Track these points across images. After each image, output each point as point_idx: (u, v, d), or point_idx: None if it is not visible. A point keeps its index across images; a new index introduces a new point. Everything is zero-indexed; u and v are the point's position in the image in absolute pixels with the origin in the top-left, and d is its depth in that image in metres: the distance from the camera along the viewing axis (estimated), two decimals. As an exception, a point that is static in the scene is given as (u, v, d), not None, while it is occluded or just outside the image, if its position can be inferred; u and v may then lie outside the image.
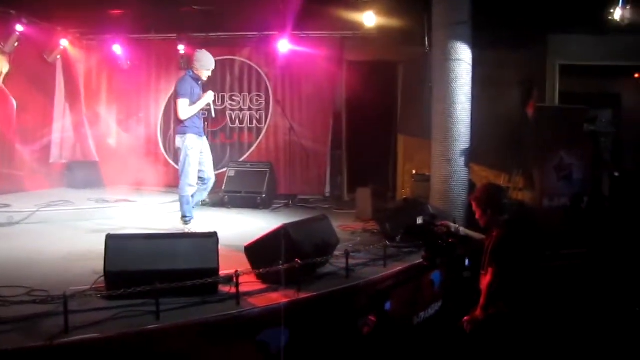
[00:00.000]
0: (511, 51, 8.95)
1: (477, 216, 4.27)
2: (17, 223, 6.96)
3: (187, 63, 9.68)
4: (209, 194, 7.06)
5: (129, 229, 6.56)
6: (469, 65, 7.19)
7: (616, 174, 8.30)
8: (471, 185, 7.40)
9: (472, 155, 7.35)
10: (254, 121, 10.56)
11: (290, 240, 4.44)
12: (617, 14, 7.15)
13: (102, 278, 3.99)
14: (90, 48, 10.62)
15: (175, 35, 10.06)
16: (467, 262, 5.28)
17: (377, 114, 10.15)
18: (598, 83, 10.27)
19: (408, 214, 6.28)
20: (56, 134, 10.06)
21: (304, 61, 9.99)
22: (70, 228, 6.87)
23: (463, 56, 7.12)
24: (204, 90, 6.50)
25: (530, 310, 4.02)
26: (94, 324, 3.44)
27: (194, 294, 3.92)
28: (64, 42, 9.75)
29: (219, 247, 4.27)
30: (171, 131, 10.47)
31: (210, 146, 6.77)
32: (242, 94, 10.56)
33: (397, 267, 5.25)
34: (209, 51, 6.52)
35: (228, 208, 8.67)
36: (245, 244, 4.74)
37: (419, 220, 5.93)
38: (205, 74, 6.46)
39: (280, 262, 4.25)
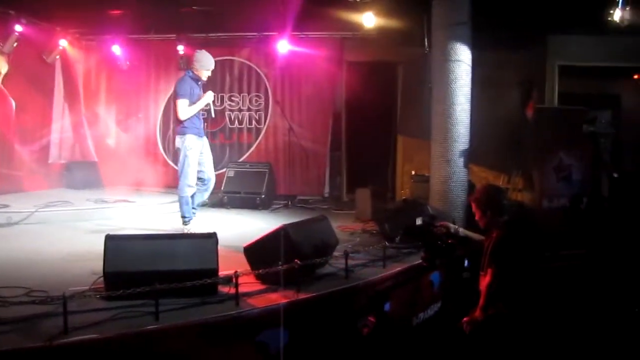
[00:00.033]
0: (511, 52, 8.95)
1: (476, 217, 4.27)
2: (16, 223, 6.95)
3: (187, 63, 9.69)
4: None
5: (128, 230, 6.56)
6: (469, 66, 7.20)
7: (615, 175, 8.30)
8: (470, 186, 7.40)
9: (472, 156, 7.36)
10: (253, 122, 10.56)
11: (289, 240, 4.44)
12: (617, 15, 7.15)
13: (101, 279, 3.99)
14: (90, 48, 10.61)
15: (174, 35, 10.05)
16: (466, 263, 5.28)
17: (376, 114, 10.15)
18: (597, 84, 10.28)
19: (407, 215, 6.29)
20: (55, 134, 10.04)
21: (304, 62, 9.99)
22: (69, 228, 6.86)
23: (462, 57, 7.13)
24: (204, 91, 6.49)
25: (529, 311, 4.02)
26: (93, 325, 3.44)
27: (194, 294, 3.92)
28: (63, 43, 9.73)
29: (218, 247, 4.27)
30: (170, 131, 10.47)
31: (210, 146, 6.76)
32: (241, 95, 10.56)
33: (396, 267, 5.25)
34: (209, 51, 6.51)
35: (227, 208, 8.67)
36: (245, 244, 4.74)
37: (419, 221, 5.94)
38: (205, 74, 6.45)
39: (280, 262, 4.25)
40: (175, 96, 6.44)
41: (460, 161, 7.16)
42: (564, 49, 9.41)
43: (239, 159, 10.32)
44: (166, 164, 10.45)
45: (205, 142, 6.57)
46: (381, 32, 8.75)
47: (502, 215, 4.13)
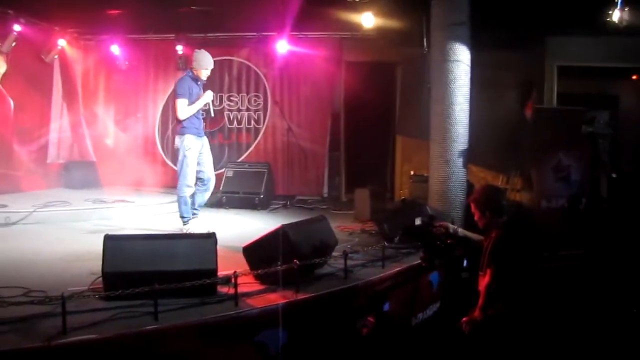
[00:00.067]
0: (509, 52, 8.95)
1: (475, 218, 4.27)
2: (14, 223, 6.94)
3: (186, 63, 9.70)
4: (207, 195, 7.04)
5: (127, 230, 6.56)
6: (468, 66, 7.20)
7: (614, 176, 8.29)
8: (469, 186, 7.41)
9: (470, 156, 7.36)
10: (252, 122, 10.55)
11: (288, 241, 4.44)
12: (616, 15, 7.15)
13: (100, 279, 3.98)
14: (88, 48, 10.59)
15: (173, 35, 10.04)
16: (465, 263, 5.28)
17: (375, 114, 10.15)
18: (596, 84, 10.28)
19: (406, 215, 6.29)
20: (53, 134, 10.03)
21: (303, 62, 9.99)
22: (67, 228, 6.86)
23: (461, 57, 7.13)
24: (204, 91, 6.49)
25: (528, 311, 4.02)
26: (92, 325, 3.43)
27: (193, 294, 3.92)
28: (62, 42, 9.72)
29: (217, 247, 4.27)
30: (169, 131, 10.47)
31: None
32: (240, 95, 10.55)
33: (395, 268, 5.25)
34: (208, 51, 6.51)
35: (226, 209, 8.67)
36: (244, 244, 4.74)
37: (418, 221, 5.93)
38: (204, 74, 6.44)
39: (279, 263, 4.25)
40: (174, 96, 6.44)
41: (459, 161, 7.16)
42: (563, 50, 9.41)
43: (238, 159, 10.31)
44: (165, 164, 10.44)
45: (205, 142, 6.56)
46: (380, 32, 8.75)
47: (501, 216, 4.13)
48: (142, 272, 3.82)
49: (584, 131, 8.12)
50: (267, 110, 10.47)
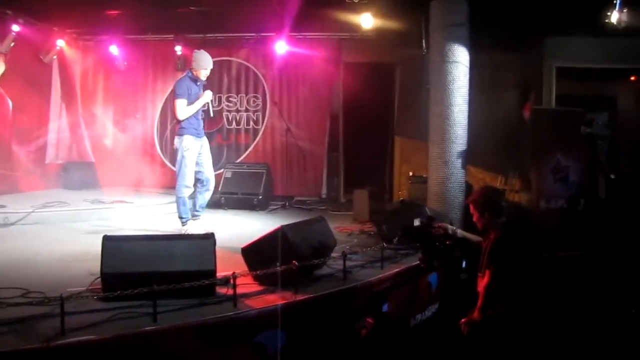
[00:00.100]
0: (508, 53, 8.97)
1: (474, 219, 4.27)
2: (13, 224, 6.93)
3: (185, 64, 9.71)
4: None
5: (126, 230, 6.55)
6: (466, 67, 7.21)
7: (612, 177, 8.31)
8: (468, 187, 7.41)
9: (469, 157, 7.36)
10: (251, 122, 10.55)
11: (287, 242, 4.44)
12: (614, 17, 7.16)
13: (99, 279, 3.97)
14: (87, 48, 10.59)
15: (172, 36, 10.04)
16: (464, 264, 5.27)
17: (374, 115, 10.15)
18: (594, 86, 10.30)
19: (405, 216, 6.29)
20: (52, 134, 10.03)
21: (301, 63, 10.01)
22: (66, 229, 6.85)
23: (460, 58, 7.14)
24: (205, 91, 6.48)
25: (527, 312, 4.02)
26: (90, 326, 3.43)
27: (191, 295, 3.92)
28: (61, 43, 9.72)
29: (216, 248, 4.26)
30: (167, 132, 10.47)
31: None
32: (239, 95, 10.55)
33: (394, 269, 5.25)
34: (207, 52, 6.51)
35: (225, 209, 8.66)
36: (243, 245, 4.74)
37: (416, 222, 5.93)
38: (203, 74, 6.44)
39: (278, 263, 4.24)
40: (173, 96, 6.43)
41: (457, 162, 7.17)
42: (562, 51, 9.43)
43: (237, 159, 10.31)
44: (164, 165, 10.44)
45: (204, 142, 6.55)
46: (379, 33, 8.75)
47: (500, 217, 4.13)
48: (141, 273, 3.81)
49: (582, 132, 8.14)
50: (265, 111, 10.48)
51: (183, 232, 6.36)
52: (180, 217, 6.48)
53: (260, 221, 7.73)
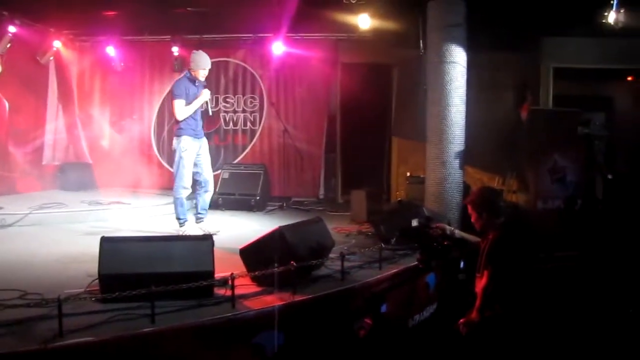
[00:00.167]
0: (505, 54, 8.96)
1: (472, 219, 4.27)
2: (10, 225, 6.91)
3: (182, 65, 9.71)
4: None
5: (123, 232, 6.53)
6: (464, 67, 7.21)
7: (609, 177, 8.32)
8: (465, 188, 7.42)
9: (467, 157, 7.37)
10: (248, 123, 10.55)
11: (285, 242, 4.44)
12: (611, 17, 7.16)
13: (97, 281, 3.97)
14: (84, 49, 10.58)
15: (169, 37, 10.02)
16: (462, 264, 5.28)
17: (371, 116, 10.14)
18: (592, 86, 10.32)
19: (403, 217, 6.29)
20: (49, 135, 10.01)
21: (299, 63, 10.01)
22: (63, 230, 6.84)
23: (458, 59, 7.14)
24: None
25: (525, 312, 4.03)
26: (88, 327, 3.42)
27: (190, 296, 3.91)
28: (57, 44, 9.70)
29: (214, 249, 4.26)
30: (164, 133, 10.46)
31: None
32: (236, 96, 10.55)
33: (392, 269, 5.25)
34: (205, 52, 6.51)
35: (222, 210, 8.64)
36: (241, 246, 4.73)
37: (414, 223, 5.93)
38: (201, 74, 6.43)
39: (276, 264, 4.24)
40: (171, 97, 6.43)
41: (455, 163, 7.17)
42: (559, 51, 9.43)
43: (234, 160, 10.30)
44: (161, 166, 10.43)
45: (203, 143, 6.54)
46: (376, 33, 8.74)
47: (498, 217, 4.13)
48: (139, 274, 3.81)
49: (579, 133, 8.15)
50: (263, 112, 10.47)
51: (181, 233, 6.35)
52: (178, 218, 6.47)
53: (258, 222, 7.73)
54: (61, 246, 5.93)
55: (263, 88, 10.45)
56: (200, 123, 6.51)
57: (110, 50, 10.05)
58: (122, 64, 10.29)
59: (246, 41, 10.25)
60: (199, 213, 6.61)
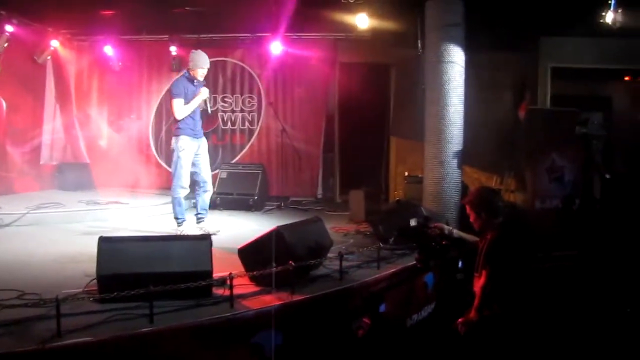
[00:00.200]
0: (504, 53, 8.97)
1: (471, 219, 4.27)
2: (7, 225, 6.89)
3: (180, 64, 9.71)
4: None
5: (121, 232, 6.52)
6: (462, 67, 7.21)
7: (607, 176, 8.33)
8: (463, 187, 7.42)
9: (465, 157, 7.37)
10: (246, 123, 10.54)
11: (284, 242, 4.43)
12: (609, 17, 7.18)
13: (95, 281, 3.96)
14: (81, 49, 10.56)
15: (167, 36, 10.01)
16: (460, 264, 5.29)
17: (369, 116, 10.15)
18: (589, 86, 10.32)
19: (401, 216, 6.28)
20: (46, 135, 9.99)
21: (297, 63, 10.00)
22: (61, 230, 6.82)
23: (456, 58, 7.14)
24: None
25: (524, 312, 4.03)
26: (87, 328, 3.41)
27: (188, 296, 3.90)
28: (55, 43, 9.69)
29: (212, 249, 4.25)
30: (162, 133, 10.45)
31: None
32: (234, 96, 10.54)
33: (390, 269, 5.25)
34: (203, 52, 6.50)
35: (220, 210, 8.63)
36: (239, 246, 4.72)
37: (413, 222, 5.93)
38: (200, 73, 6.42)
39: (274, 264, 4.24)
40: (170, 97, 6.42)
41: (453, 162, 7.17)
42: (557, 51, 9.45)
43: (232, 160, 10.30)
44: (159, 166, 10.42)
45: (202, 143, 6.52)
46: (374, 33, 8.75)
47: (497, 217, 4.13)
48: (137, 274, 3.80)
49: (577, 132, 8.16)
50: (261, 112, 10.47)
51: (179, 233, 6.34)
52: (176, 218, 6.46)
53: (256, 222, 7.73)
54: (59, 246, 5.91)
55: (261, 88, 10.44)
56: (199, 123, 6.50)
57: (108, 50, 10.04)
58: (120, 64, 10.28)
59: (244, 41, 10.24)
60: (199, 213, 6.61)
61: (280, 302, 4.05)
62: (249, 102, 10.50)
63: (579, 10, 7.59)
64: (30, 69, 9.58)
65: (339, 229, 7.10)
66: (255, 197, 8.78)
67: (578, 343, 4.99)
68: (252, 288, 4.34)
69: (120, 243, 4.19)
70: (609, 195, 8.28)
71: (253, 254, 4.58)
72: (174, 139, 6.38)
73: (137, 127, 10.51)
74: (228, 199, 8.81)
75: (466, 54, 7.24)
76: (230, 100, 10.53)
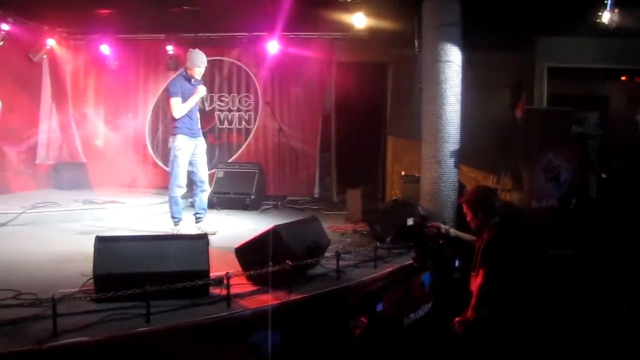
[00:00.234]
0: (500, 53, 8.99)
1: (468, 219, 4.28)
2: (3, 225, 6.85)
3: (176, 63, 9.69)
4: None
5: (118, 231, 6.51)
6: (459, 66, 7.23)
7: (603, 176, 8.36)
8: (460, 186, 7.43)
9: (461, 156, 7.38)
10: (243, 122, 10.53)
11: (281, 241, 4.42)
12: (606, 17, 7.20)
13: (91, 280, 3.94)
14: (78, 48, 10.52)
15: (163, 35, 10.01)
16: (457, 263, 5.29)
17: (366, 115, 10.16)
18: (586, 85, 10.34)
19: (398, 215, 6.29)
20: (42, 134, 9.96)
21: (294, 62, 10.00)
22: (57, 230, 6.79)
23: (453, 58, 7.16)
24: None
25: (521, 311, 4.04)
26: (83, 327, 3.39)
27: (185, 296, 3.89)
28: (51, 42, 9.65)
29: (209, 248, 4.25)
30: (159, 132, 10.43)
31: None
32: (230, 95, 10.53)
33: (387, 268, 5.24)
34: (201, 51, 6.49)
35: (217, 209, 8.62)
36: (236, 245, 4.71)
37: (410, 222, 5.94)
38: (197, 72, 6.40)
39: (271, 263, 4.23)
40: (167, 95, 6.41)
41: (450, 161, 7.19)
42: (553, 51, 9.47)
43: (229, 159, 10.29)
44: (155, 165, 10.39)
45: (199, 143, 6.50)
46: (371, 32, 8.76)
47: (493, 217, 4.14)
48: (134, 274, 3.78)
49: (573, 132, 8.17)
50: (257, 111, 10.46)
51: (175, 232, 6.33)
52: (173, 217, 6.45)
53: (253, 221, 7.72)
54: (55, 245, 5.89)
55: (258, 87, 10.44)
56: (197, 122, 6.49)
57: (105, 49, 10.01)
58: (117, 63, 10.26)
59: (241, 40, 10.24)
60: (198, 213, 6.59)
61: (277, 302, 4.04)
62: (246, 101, 10.49)
63: (576, 10, 7.61)
64: (26, 68, 9.54)
65: (336, 228, 7.10)
66: (252, 197, 8.78)
67: (575, 342, 5.00)
68: (249, 287, 4.32)
69: (117, 242, 4.17)
70: (605, 194, 8.30)
71: (250, 254, 4.57)
72: (171, 138, 6.36)
73: (134, 126, 10.48)
74: (225, 199, 8.79)
75: (463, 54, 7.26)
76: (227, 100, 10.51)
